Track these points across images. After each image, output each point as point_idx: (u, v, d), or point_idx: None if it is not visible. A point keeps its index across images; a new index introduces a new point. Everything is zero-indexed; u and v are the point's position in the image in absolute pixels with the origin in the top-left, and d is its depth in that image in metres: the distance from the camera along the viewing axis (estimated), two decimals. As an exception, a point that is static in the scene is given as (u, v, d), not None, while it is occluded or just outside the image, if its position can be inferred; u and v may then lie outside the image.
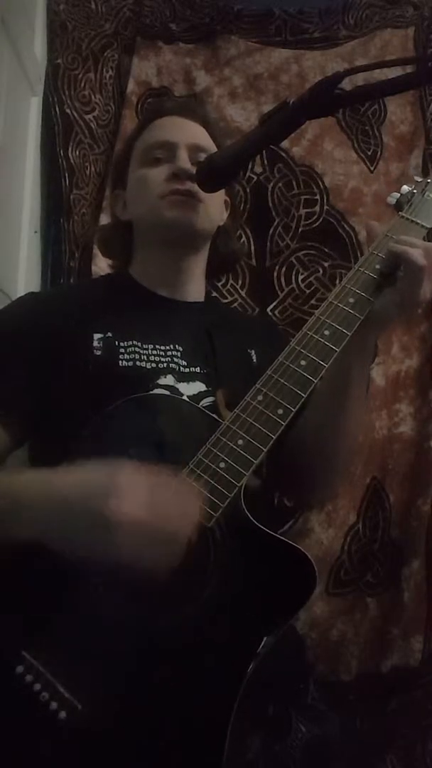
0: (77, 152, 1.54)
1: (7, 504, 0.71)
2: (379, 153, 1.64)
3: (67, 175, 1.52)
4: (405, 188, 0.96)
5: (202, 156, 0.99)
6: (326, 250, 1.58)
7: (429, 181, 0.95)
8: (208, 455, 0.74)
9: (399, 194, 0.95)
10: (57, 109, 1.54)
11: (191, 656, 0.69)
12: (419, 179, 0.97)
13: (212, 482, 0.72)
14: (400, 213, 0.92)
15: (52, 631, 0.69)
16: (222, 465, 0.73)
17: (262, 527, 0.72)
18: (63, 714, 0.66)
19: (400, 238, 0.85)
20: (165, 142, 1.02)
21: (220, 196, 1.06)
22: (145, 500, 0.64)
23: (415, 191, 0.95)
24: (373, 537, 1.47)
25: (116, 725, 0.67)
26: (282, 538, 0.73)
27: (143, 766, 0.68)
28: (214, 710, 0.67)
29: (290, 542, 0.72)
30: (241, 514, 0.72)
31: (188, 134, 1.04)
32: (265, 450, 0.75)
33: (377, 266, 0.85)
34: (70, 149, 1.53)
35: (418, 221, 0.90)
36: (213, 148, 1.03)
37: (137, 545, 0.63)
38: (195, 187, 0.93)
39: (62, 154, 1.52)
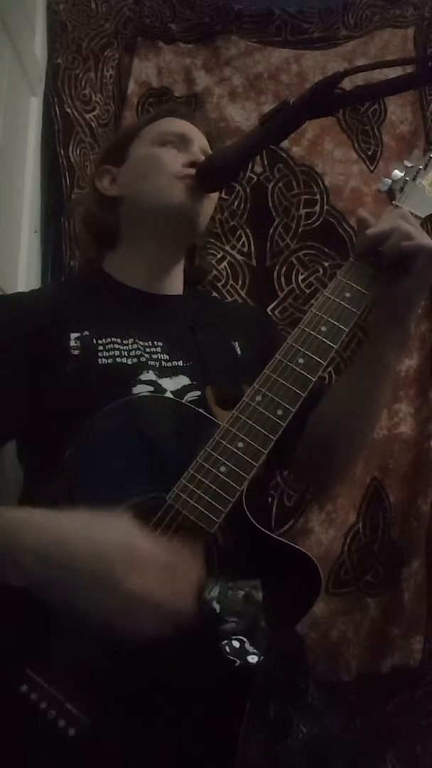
0: (78, 152, 1.54)
1: (5, 545, 0.65)
2: (379, 153, 1.64)
3: (67, 174, 1.52)
4: (396, 173, 0.93)
5: None
6: (326, 250, 1.58)
7: (420, 167, 0.93)
8: (209, 459, 0.72)
9: (390, 180, 0.93)
10: (57, 108, 1.53)
11: (198, 664, 0.67)
12: (410, 164, 0.94)
13: (213, 487, 0.70)
14: (393, 202, 0.90)
15: (55, 647, 0.67)
16: (223, 469, 0.71)
17: (265, 531, 0.71)
18: (72, 731, 0.65)
19: (402, 226, 0.84)
20: (181, 134, 1.02)
21: (213, 204, 1.05)
22: (156, 577, 0.61)
23: (407, 178, 0.92)
24: (373, 537, 1.47)
25: (127, 738, 0.65)
26: (286, 541, 0.72)
27: None
28: (224, 718, 0.66)
29: (294, 545, 0.72)
30: (244, 519, 0.71)
31: (200, 138, 1.05)
32: (265, 452, 0.73)
33: (373, 258, 0.84)
34: (70, 149, 1.53)
35: (411, 210, 0.88)
36: None
37: (141, 618, 0.61)
38: None
39: (62, 153, 1.52)
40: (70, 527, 0.65)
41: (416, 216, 0.88)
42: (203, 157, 0.98)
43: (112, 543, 0.63)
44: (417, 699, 1.38)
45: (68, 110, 1.54)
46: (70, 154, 1.53)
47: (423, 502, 1.46)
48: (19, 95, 1.47)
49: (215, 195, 1.04)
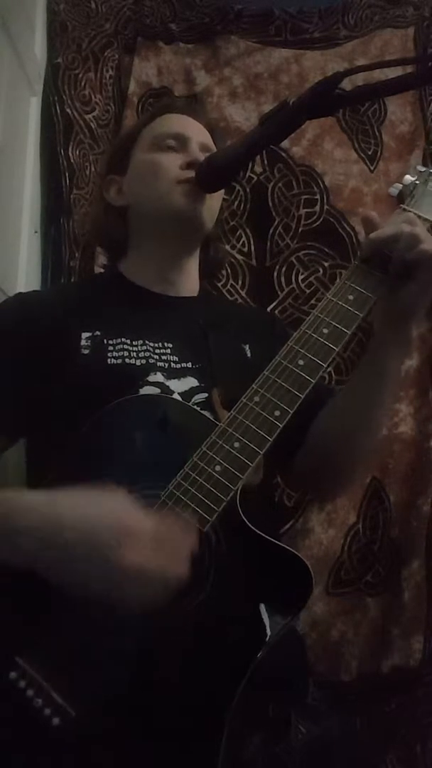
0: (77, 152, 1.54)
1: (4, 528, 0.66)
2: (379, 153, 1.64)
3: (67, 174, 1.52)
4: (408, 178, 0.92)
5: None
6: (326, 250, 1.58)
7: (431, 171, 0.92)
8: (204, 458, 0.72)
9: (401, 185, 0.92)
10: (57, 108, 1.54)
11: (188, 661, 0.68)
12: (422, 169, 0.94)
13: (208, 486, 0.71)
14: (402, 206, 0.89)
15: (45, 637, 0.68)
16: (218, 468, 0.71)
17: (257, 531, 0.71)
18: (56, 720, 0.65)
19: (411, 236, 0.82)
20: (179, 134, 1.02)
21: (220, 198, 1.05)
22: (149, 550, 0.62)
23: (417, 182, 0.91)
24: (373, 537, 1.47)
25: (110, 731, 0.66)
26: (278, 542, 0.72)
27: None
28: (210, 716, 0.67)
29: (286, 546, 0.71)
30: (237, 518, 0.71)
31: (199, 132, 1.05)
32: (261, 453, 0.73)
33: (378, 261, 0.83)
34: (70, 149, 1.53)
35: (421, 214, 0.87)
36: None
37: (137, 592, 0.62)
38: None
39: (62, 153, 1.52)
40: (64, 506, 0.65)
41: (425, 219, 0.87)
42: (202, 155, 0.98)
43: (104, 519, 0.63)
44: (417, 699, 1.38)
45: (68, 110, 1.54)
46: (70, 154, 1.53)
47: (423, 502, 1.46)
48: (19, 95, 1.47)
49: (220, 197, 1.04)
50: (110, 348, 0.88)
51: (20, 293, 1.04)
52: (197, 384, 0.88)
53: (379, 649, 1.41)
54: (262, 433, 0.74)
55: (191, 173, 0.95)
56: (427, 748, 1.34)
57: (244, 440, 0.73)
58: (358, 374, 0.94)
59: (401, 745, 1.34)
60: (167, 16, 1.65)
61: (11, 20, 1.35)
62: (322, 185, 1.61)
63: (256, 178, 1.60)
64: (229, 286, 1.55)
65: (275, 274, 1.57)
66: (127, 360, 0.87)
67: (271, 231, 1.59)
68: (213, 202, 1.00)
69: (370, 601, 1.44)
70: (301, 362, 0.78)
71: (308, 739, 1.29)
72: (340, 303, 0.81)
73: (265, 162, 1.60)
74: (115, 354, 0.88)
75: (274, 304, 1.55)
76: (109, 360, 0.87)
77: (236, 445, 0.73)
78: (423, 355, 1.54)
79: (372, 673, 1.39)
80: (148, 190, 0.99)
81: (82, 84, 1.58)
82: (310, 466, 0.95)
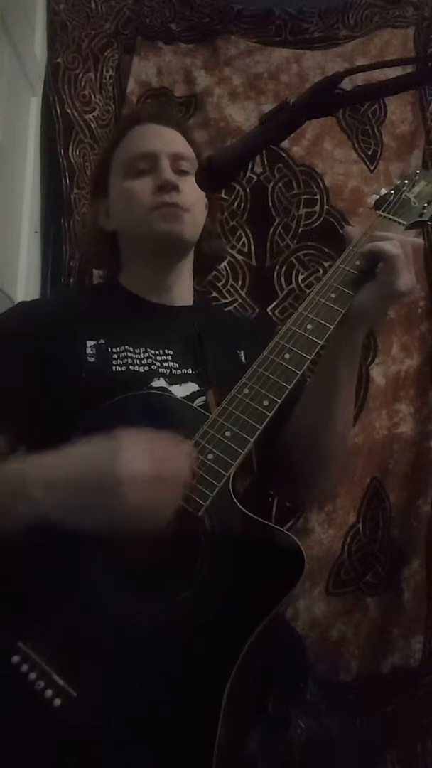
0: (77, 152, 1.54)
1: (13, 489, 0.72)
2: (379, 153, 1.64)
3: (67, 174, 1.52)
4: (383, 191, 0.97)
5: (184, 164, 1.00)
6: (326, 250, 1.58)
7: (406, 181, 0.97)
8: (197, 447, 0.75)
9: (378, 196, 0.97)
10: (57, 108, 1.54)
11: (184, 643, 0.69)
12: (398, 182, 0.98)
13: (201, 472, 0.73)
14: (377, 212, 0.93)
15: (47, 621, 0.70)
16: (210, 456, 0.74)
17: (249, 513, 0.72)
18: (58, 702, 0.67)
19: (376, 234, 0.87)
20: (146, 153, 1.01)
21: (201, 200, 1.05)
22: (144, 457, 0.68)
23: (392, 192, 0.96)
24: (373, 537, 1.47)
25: (111, 712, 0.67)
26: (268, 523, 0.74)
27: (138, 753, 0.68)
28: (207, 697, 0.68)
29: (277, 527, 0.74)
30: (231, 503, 0.73)
31: (168, 143, 1.03)
32: (251, 440, 0.75)
33: (357, 262, 0.86)
34: (70, 149, 1.53)
35: (396, 218, 0.92)
36: (192, 155, 1.02)
37: (145, 499, 0.67)
38: (180, 198, 0.96)
39: (62, 153, 1.52)
40: (66, 460, 0.72)
41: (399, 223, 0.91)
42: (172, 175, 0.98)
43: (96, 453, 0.70)
44: (417, 699, 1.38)
45: (68, 110, 1.55)
46: (70, 154, 1.53)
47: (423, 502, 1.47)
48: (19, 95, 1.47)
49: (201, 202, 1.04)
50: (114, 356, 0.90)
51: (23, 302, 1.06)
52: (198, 389, 0.90)
53: (379, 649, 1.41)
54: (251, 422, 0.76)
55: (163, 197, 0.96)
56: (427, 748, 1.34)
57: (235, 429, 0.76)
58: (314, 380, 0.95)
59: (401, 745, 1.35)
60: (167, 16, 1.65)
61: (11, 20, 1.36)
62: (322, 185, 1.61)
63: (256, 178, 1.61)
64: (229, 286, 1.55)
65: (275, 274, 1.57)
66: (131, 367, 0.89)
67: (271, 231, 1.59)
68: (194, 215, 1.01)
69: (370, 601, 1.44)
70: (287, 356, 0.81)
71: (308, 737, 1.29)
72: (322, 301, 0.85)
73: (265, 162, 1.60)
74: (119, 362, 0.89)
75: (274, 304, 1.56)
76: (114, 368, 0.89)
77: (227, 434, 0.76)
78: (423, 355, 1.54)
79: (372, 673, 1.40)
80: (126, 218, 1.01)
81: (82, 84, 1.58)
82: (280, 468, 0.96)
